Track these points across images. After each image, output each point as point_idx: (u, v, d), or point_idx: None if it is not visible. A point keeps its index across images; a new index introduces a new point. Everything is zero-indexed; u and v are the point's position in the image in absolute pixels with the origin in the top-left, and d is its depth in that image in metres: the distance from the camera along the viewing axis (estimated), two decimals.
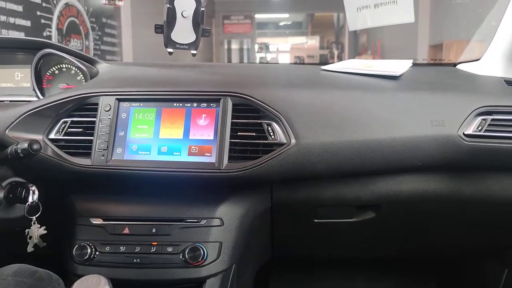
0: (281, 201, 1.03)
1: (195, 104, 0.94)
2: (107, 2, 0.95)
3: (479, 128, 0.94)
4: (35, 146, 0.84)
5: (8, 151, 0.85)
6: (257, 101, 0.92)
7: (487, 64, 1.18)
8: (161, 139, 0.93)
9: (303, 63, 8.03)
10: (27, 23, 2.78)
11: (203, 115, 0.93)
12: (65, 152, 0.94)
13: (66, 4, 3.36)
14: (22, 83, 1.17)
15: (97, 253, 0.90)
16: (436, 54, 4.29)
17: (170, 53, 1.03)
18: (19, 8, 2.67)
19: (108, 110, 0.95)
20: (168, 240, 0.92)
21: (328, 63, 1.19)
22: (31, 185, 0.92)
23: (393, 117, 0.94)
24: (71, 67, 1.14)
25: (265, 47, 8.40)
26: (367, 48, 6.80)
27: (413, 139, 0.92)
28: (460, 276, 1.49)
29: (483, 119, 0.94)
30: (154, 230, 0.93)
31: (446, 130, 0.93)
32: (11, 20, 2.59)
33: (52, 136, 0.96)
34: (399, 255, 1.39)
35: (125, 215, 0.95)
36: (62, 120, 0.97)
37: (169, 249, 0.91)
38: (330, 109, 0.93)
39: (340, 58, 7.77)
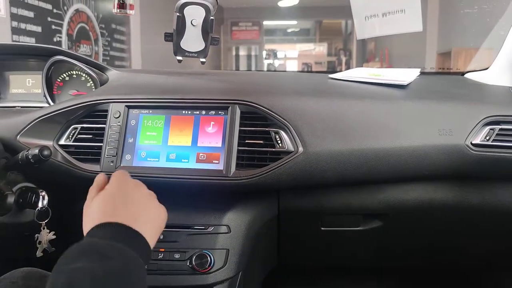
0: (288, 208, 1.04)
1: (203, 112, 0.95)
2: (118, 11, 0.96)
3: (487, 138, 0.94)
4: (46, 152, 0.85)
5: (19, 157, 0.87)
6: (265, 109, 0.92)
7: (495, 73, 1.18)
8: (169, 146, 0.94)
9: (311, 71, 8.04)
10: (38, 28, 2.81)
11: (212, 122, 0.94)
12: (75, 158, 0.95)
13: (77, 10, 3.40)
14: (33, 89, 1.19)
15: None
16: (444, 61, 4.28)
17: (180, 61, 1.05)
18: (30, 14, 2.70)
19: (118, 117, 0.96)
20: (175, 247, 0.92)
21: (336, 70, 1.20)
22: (41, 190, 0.93)
23: (401, 126, 0.94)
24: (82, 73, 1.16)
25: (273, 54, 8.41)
26: (374, 55, 6.79)
27: (421, 148, 0.92)
28: (466, 285, 1.48)
29: (491, 129, 0.94)
30: (161, 237, 0.93)
31: (454, 139, 0.93)
32: (22, 26, 2.62)
33: (62, 142, 0.97)
34: (406, 264, 1.38)
35: None
36: (72, 127, 0.98)
37: (177, 256, 0.91)
38: (337, 117, 0.94)
39: (348, 65, 7.76)
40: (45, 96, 1.14)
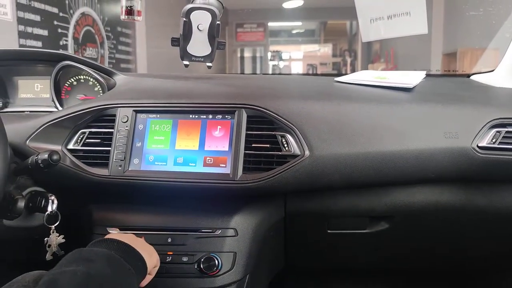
0: (295, 211, 1.04)
1: (210, 116, 0.96)
2: (126, 17, 0.97)
3: (493, 141, 0.94)
4: (55, 157, 0.86)
5: (29, 162, 0.88)
6: (271, 113, 0.93)
7: (502, 76, 1.18)
8: (177, 150, 0.95)
9: (316, 72, 8.04)
10: (45, 32, 2.83)
11: (218, 126, 0.95)
12: (83, 162, 0.96)
13: (82, 14, 3.41)
14: (41, 94, 1.20)
15: None
16: (449, 62, 4.27)
17: (186, 66, 1.06)
18: (37, 18, 2.72)
19: (126, 122, 0.97)
20: (183, 250, 0.93)
21: (341, 71, 1.21)
22: (50, 194, 0.94)
23: (407, 129, 0.94)
24: (89, 78, 1.17)
25: (278, 55, 8.43)
26: (380, 56, 6.78)
27: (427, 151, 0.93)
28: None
29: (497, 131, 0.94)
30: (169, 240, 0.94)
31: (460, 142, 0.93)
32: (29, 29, 2.64)
33: (70, 146, 0.98)
34: (413, 266, 1.38)
35: (142, 224, 0.97)
36: (81, 131, 0.99)
37: (184, 259, 0.92)
38: (343, 121, 0.94)
39: (353, 66, 7.76)
40: (53, 100, 1.15)
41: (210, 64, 1.05)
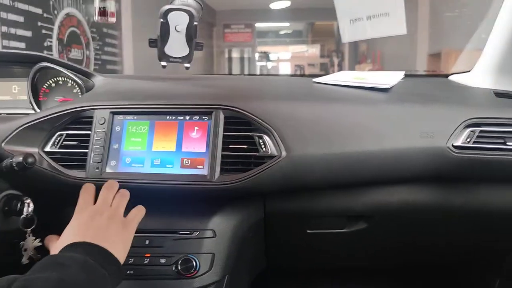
0: (274, 212, 1.04)
1: (187, 117, 0.95)
2: (99, 18, 0.97)
3: (468, 140, 0.95)
4: (30, 160, 0.85)
5: (3, 164, 0.87)
6: (248, 114, 0.93)
7: (478, 76, 1.20)
8: (154, 151, 0.94)
9: (304, 73, 8.06)
10: (28, 33, 2.80)
11: (195, 127, 0.95)
12: (61, 164, 0.96)
13: (67, 15, 3.39)
14: (19, 96, 1.19)
15: None
16: (435, 63, 4.31)
17: (164, 67, 1.05)
18: (20, 19, 2.69)
19: (103, 123, 0.96)
20: (161, 252, 0.93)
21: (328, 72, 1.21)
22: (26, 197, 0.93)
23: (383, 129, 0.95)
24: (68, 80, 1.16)
25: (265, 56, 8.44)
26: (366, 57, 6.82)
27: (403, 151, 0.93)
28: (451, 284, 1.50)
29: (472, 131, 0.95)
30: (147, 242, 0.94)
31: (436, 142, 0.94)
32: (12, 30, 2.61)
33: (47, 149, 0.98)
34: (392, 264, 1.39)
35: None
36: (58, 133, 0.98)
37: (162, 261, 0.92)
38: (320, 121, 0.95)
39: (340, 67, 7.80)
40: (30, 102, 1.14)
41: (188, 65, 1.05)
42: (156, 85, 1.12)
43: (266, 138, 0.92)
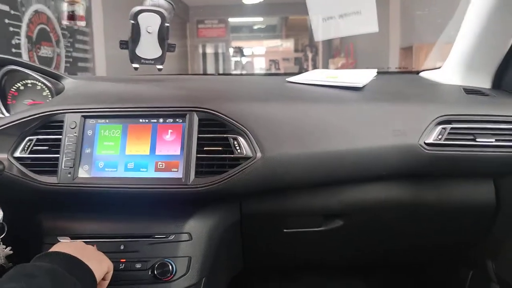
0: (250, 213, 1.05)
1: (161, 120, 0.94)
2: (68, 23, 0.95)
3: (439, 137, 0.97)
4: None
5: None
6: (222, 115, 0.92)
7: (448, 73, 1.22)
8: (127, 155, 0.93)
9: (278, 69, 8.06)
10: None
11: (169, 130, 0.94)
12: (31, 170, 0.93)
13: (36, 11, 3.30)
14: None
15: None
16: (407, 56, 4.38)
17: (136, 69, 1.04)
18: None
19: (74, 128, 0.94)
20: (136, 257, 0.92)
21: (303, 66, 1.21)
22: None
23: (356, 128, 0.96)
24: (37, 82, 1.13)
25: (240, 51, 8.40)
26: (340, 51, 6.86)
27: (376, 149, 0.95)
28: (427, 279, 1.53)
29: (443, 128, 0.97)
30: (122, 247, 0.93)
31: (408, 139, 0.96)
32: None
33: (17, 154, 0.95)
34: (369, 261, 1.41)
35: (93, 232, 0.95)
36: (28, 138, 0.95)
37: (138, 266, 0.91)
38: (294, 122, 0.95)
39: (314, 61, 7.82)
40: None
41: (160, 67, 1.03)
42: (128, 87, 1.11)
43: (240, 139, 0.91)
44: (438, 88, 1.19)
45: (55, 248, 0.78)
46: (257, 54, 8.86)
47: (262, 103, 0.98)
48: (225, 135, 0.92)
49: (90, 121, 0.95)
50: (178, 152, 0.92)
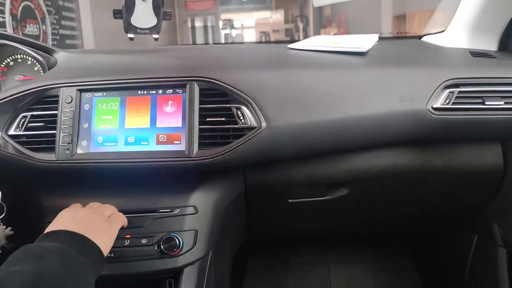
0: (255, 184, 1.03)
1: (160, 91, 0.91)
2: None
3: (447, 101, 0.94)
4: None
5: None
6: (224, 84, 0.89)
7: (452, 36, 1.19)
8: (127, 129, 0.90)
9: (269, 40, 7.97)
10: None
11: (170, 101, 0.90)
12: (27, 148, 0.90)
13: None
14: None
15: None
16: (400, 24, 4.33)
17: (131, 39, 1.00)
18: None
19: (70, 102, 0.91)
20: (141, 232, 0.90)
21: (294, 37, 1.18)
22: None
23: (362, 94, 0.93)
24: (27, 57, 1.08)
25: (229, 24, 8.28)
26: (331, 21, 6.79)
27: (383, 115, 0.92)
28: (432, 246, 1.53)
29: (451, 92, 0.95)
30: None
31: (415, 104, 0.93)
32: None
33: (11, 132, 0.91)
34: (374, 230, 1.41)
35: None
36: (22, 115, 0.92)
37: (144, 241, 0.89)
38: (298, 89, 0.92)
39: (305, 32, 7.73)
40: None
41: (157, 36, 0.99)
42: (124, 59, 1.07)
43: (244, 109, 0.88)
44: (443, 51, 1.16)
45: (58, 221, 0.75)
46: (247, 26, 8.74)
47: (265, 71, 0.95)
48: (228, 105, 0.89)
49: (86, 95, 0.92)
50: (179, 124, 0.89)
